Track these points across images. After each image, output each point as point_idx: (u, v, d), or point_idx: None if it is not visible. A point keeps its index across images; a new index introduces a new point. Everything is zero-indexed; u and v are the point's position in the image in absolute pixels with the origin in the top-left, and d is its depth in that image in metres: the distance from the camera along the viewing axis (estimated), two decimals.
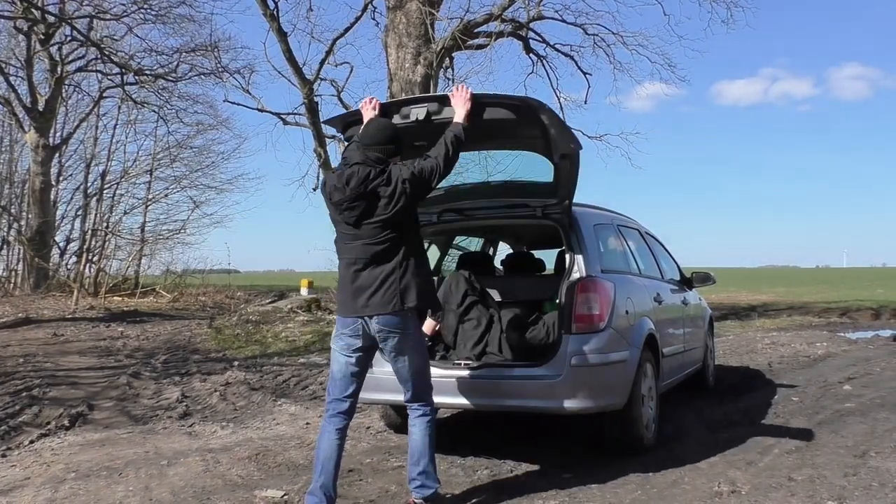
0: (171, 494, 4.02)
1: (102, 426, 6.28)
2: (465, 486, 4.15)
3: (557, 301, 4.32)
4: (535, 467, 4.49)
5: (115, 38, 21.97)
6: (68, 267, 24.08)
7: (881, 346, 11.13)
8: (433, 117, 3.82)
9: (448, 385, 4.32)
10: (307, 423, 5.93)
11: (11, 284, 23.42)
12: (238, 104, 18.89)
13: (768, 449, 4.86)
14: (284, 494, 3.96)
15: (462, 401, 4.33)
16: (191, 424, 6.11)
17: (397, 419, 5.29)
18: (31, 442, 5.69)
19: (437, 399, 4.30)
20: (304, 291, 18.68)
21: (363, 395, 4.62)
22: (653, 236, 6.49)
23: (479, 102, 3.75)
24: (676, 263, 6.84)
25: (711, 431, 5.43)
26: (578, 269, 4.37)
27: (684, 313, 6.22)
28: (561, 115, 14.76)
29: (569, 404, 4.12)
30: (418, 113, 3.83)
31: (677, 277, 6.60)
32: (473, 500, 3.89)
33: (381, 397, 4.53)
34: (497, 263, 6.34)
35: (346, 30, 14.15)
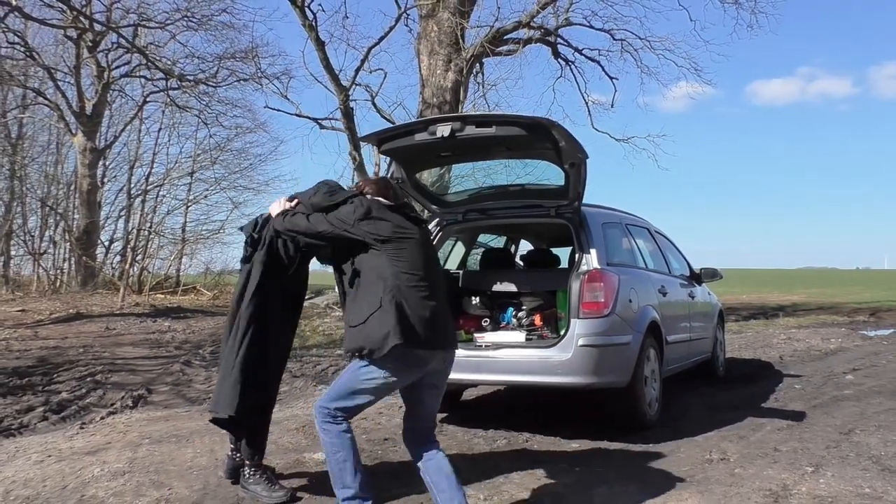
0: None
1: (162, 406, 6.97)
2: (485, 451, 4.76)
3: (566, 291, 4.91)
4: (548, 438, 5.09)
5: (158, 45, 22.90)
6: (113, 266, 25.09)
7: None
8: (456, 134, 4.42)
9: (472, 364, 4.93)
10: None
11: (59, 282, 24.48)
12: (277, 110, 19.66)
13: (761, 426, 5.40)
14: None
15: (484, 377, 4.96)
16: None
17: None
18: (102, 418, 6.39)
19: (462, 376, 4.94)
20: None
21: None
22: (662, 235, 7.02)
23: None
24: (687, 260, 7.36)
25: (713, 413, 5.96)
26: (586, 262, 4.96)
27: (691, 305, 6.75)
28: (589, 120, 15.14)
29: (577, 380, 4.72)
30: (444, 130, 4.43)
31: (686, 273, 7.12)
32: (492, 462, 4.48)
33: None
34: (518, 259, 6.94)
35: (381, 38, 14.80)
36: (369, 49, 14.74)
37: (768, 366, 8.73)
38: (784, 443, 4.90)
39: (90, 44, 22.50)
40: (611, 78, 17.05)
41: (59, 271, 25.46)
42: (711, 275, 7.30)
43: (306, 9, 13.81)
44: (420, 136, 4.62)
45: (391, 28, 14.61)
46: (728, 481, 4.05)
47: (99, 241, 24.81)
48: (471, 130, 4.42)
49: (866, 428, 5.31)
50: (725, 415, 5.85)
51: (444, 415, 5.89)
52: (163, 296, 22.20)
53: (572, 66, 17.18)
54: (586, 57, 16.96)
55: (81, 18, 20.96)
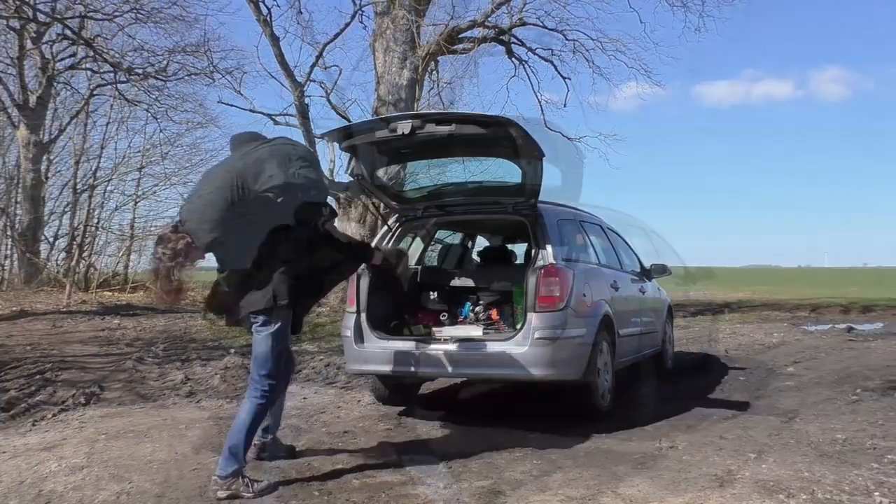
0: (193, 450, 4.70)
1: (116, 403, 6.87)
2: (444, 443, 4.87)
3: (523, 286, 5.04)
4: (504, 430, 5.19)
5: (105, 37, 22.38)
6: (58, 262, 24.46)
7: (835, 336, 11.96)
8: (417, 131, 4.51)
9: (433, 358, 5.03)
10: (304, 399, 6.60)
11: (1, 280, 23.79)
12: (231, 105, 19.50)
13: (708, 416, 5.62)
14: None
15: (446, 370, 5.05)
16: (198, 401, 6.75)
17: (384, 391, 5.98)
18: (54, 415, 6.30)
19: (425, 370, 5.05)
20: None
21: (355, 366, 5.36)
22: (614, 231, 7.22)
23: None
24: (637, 256, 7.57)
25: (662, 403, 6.17)
26: (543, 258, 5.10)
27: (641, 300, 6.96)
28: (542, 119, 15.33)
29: (533, 372, 4.86)
30: (404, 128, 4.52)
31: (637, 269, 7.33)
32: (452, 452, 4.58)
33: (370, 368, 5.27)
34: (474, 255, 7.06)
35: (336, 35, 14.77)
36: (324, 45, 14.72)
37: (714, 359, 9.03)
38: (729, 431, 5.11)
39: (34, 35, 21.93)
40: (563, 77, 17.28)
41: (0, 268, 24.77)
42: (661, 271, 7.53)
43: (261, 3, 13.73)
44: (381, 133, 4.70)
45: (347, 24, 14.60)
46: (677, 467, 4.23)
47: (43, 238, 24.18)
48: (431, 128, 4.51)
49: (806, 416, 5.57)
50: (674, 405, 6.05)
51: (402, 408, 5.98)
52: (111, 293, 21.74)
53: (526, 66, 17.38)
54: (539, 56, 17.18)
55: (25, 8, 20.42)
